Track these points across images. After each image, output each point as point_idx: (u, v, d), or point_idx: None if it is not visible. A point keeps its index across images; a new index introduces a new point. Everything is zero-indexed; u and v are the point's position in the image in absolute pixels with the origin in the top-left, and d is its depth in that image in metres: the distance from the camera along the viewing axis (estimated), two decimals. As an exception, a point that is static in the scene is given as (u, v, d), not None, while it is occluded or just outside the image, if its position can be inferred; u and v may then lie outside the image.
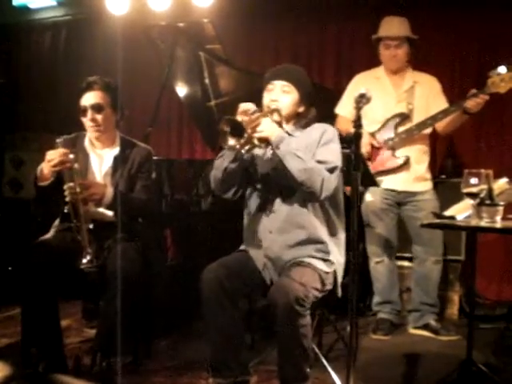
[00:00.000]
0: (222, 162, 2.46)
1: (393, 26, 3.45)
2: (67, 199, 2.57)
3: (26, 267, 2.55)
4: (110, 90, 2.83)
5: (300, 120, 2.55)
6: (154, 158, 2.99)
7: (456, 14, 4.26)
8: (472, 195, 2.29)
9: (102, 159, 2.85)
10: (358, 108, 2.04)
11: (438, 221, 2.53)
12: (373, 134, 3.47)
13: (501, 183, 2.50)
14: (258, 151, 2.52)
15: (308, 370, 2.33)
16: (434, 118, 3.34)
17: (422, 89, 3.46)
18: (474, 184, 2.29)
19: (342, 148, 2.51)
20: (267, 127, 2.33)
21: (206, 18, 3.85)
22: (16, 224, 4.59)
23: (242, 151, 2.35)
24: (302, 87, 2.52)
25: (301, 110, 2.54)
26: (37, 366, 2.51)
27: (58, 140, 2.63)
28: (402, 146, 3.42)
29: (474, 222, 2.29)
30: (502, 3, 4.03)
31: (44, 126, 4.93)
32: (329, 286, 2.45)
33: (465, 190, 2.32)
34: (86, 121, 2.79)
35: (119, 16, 4.34)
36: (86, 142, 2.86)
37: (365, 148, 3.41)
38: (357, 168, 2.03)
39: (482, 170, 2.32)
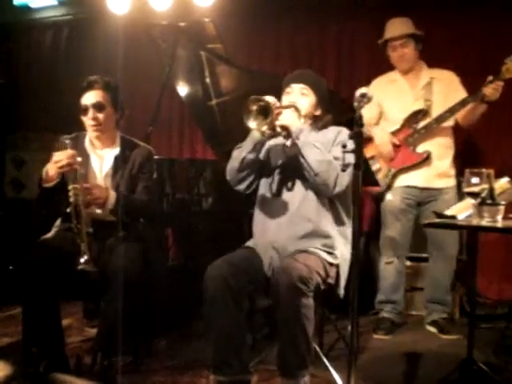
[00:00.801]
0: (240, 153, 2.51)
1: (395, 27, 3.48)
2: (71, 200, 2.55)
3: (26, 266, 2.55)
4: (111, 89, 2.82)
5: (316, 122, 2.62)
6: (155, 157, 2.99)
7: (458, 14, 4.25)
8: (473, 194, 2.29)
9: (102, 160, 2.84)
10: (359, 107, 2.05)
11: (439, 220, 2.53)
12: (393, 134, 3.49)
13: (502, 183, 2.50)
14: (273, 144, 2.59)
15: (309, 360, 2.31)
16: (452, 110, 3.34)
17: (440, 84, 3.47)
18: (475, 183, 2.29)
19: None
20: (289, 117, 2.43)
21: (207, 17, 3.84)
22: (17, 224, 4.59)
23: (265, 134, 2.42)
24: (319, 91, 2.61)
25: (317, 112, 2.62)
26: (38, 365, 2.49)
27: (66, 141, 2.61)
28: (422, 141, 3.44)
29: (475, 222, 2.29)
30: (503, 3, 4.02)
31: (45, 125, 4.91)
32: (331, 280, 2.45)
33: (466, 190, 2.32)
34: (87, 120, 2.78)
35: (120, 15, 4.33)
36: (87, 143, 2.85)
37: (386, 147, 3.45)
38: (358, 167, 2.03)
39: (484, 170, 2.31)
